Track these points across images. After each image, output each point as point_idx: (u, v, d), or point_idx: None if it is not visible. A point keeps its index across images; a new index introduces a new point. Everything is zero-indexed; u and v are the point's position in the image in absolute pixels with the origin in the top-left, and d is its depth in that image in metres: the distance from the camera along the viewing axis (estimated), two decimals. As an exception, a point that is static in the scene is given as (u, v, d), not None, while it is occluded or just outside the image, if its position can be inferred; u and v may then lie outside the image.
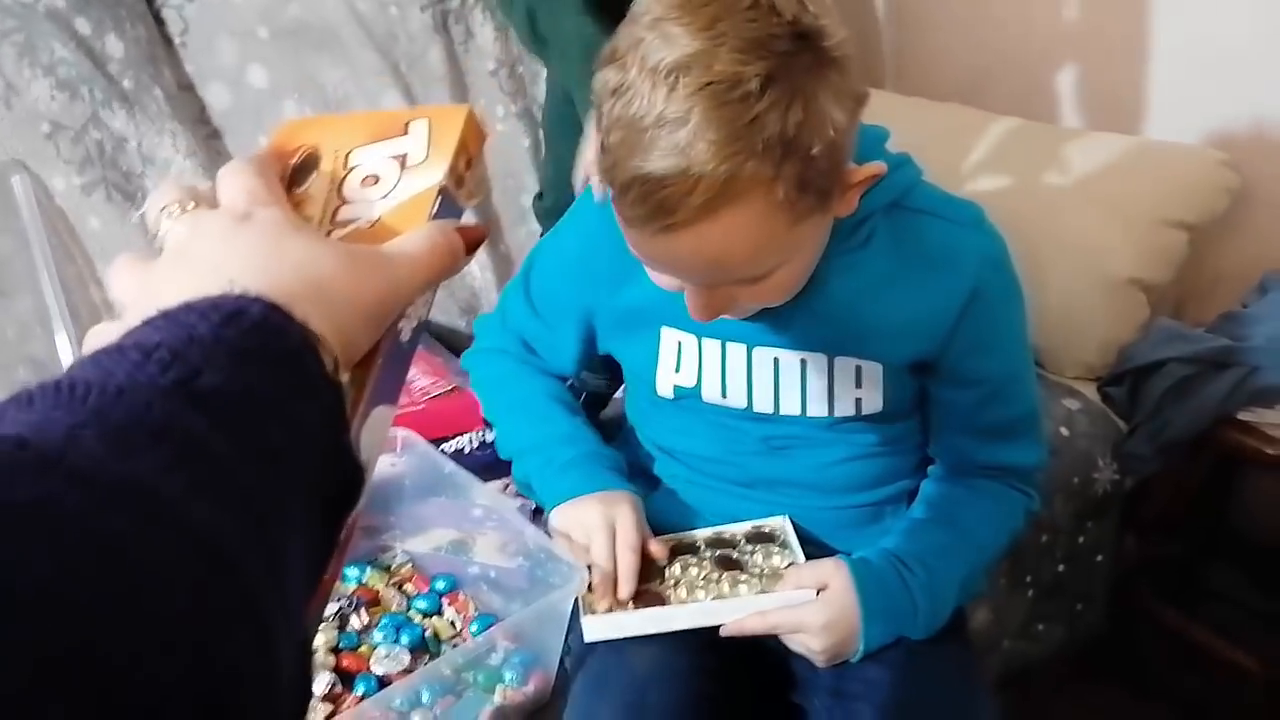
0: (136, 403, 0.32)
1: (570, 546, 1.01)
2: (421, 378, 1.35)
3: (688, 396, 1.05)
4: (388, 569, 1.21)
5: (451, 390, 1.32)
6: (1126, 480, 1.60)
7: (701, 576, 1.01)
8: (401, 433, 1.18)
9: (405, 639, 1.09)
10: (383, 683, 1.04)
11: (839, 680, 1.01)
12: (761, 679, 1.06)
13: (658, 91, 0.74)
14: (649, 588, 1.01)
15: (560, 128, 1.56)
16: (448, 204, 0.50)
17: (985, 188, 1.75)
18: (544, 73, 1.77)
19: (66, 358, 1.36)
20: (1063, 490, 1.52)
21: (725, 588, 1.00)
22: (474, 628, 1.12)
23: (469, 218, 0.59)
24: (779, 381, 1.01)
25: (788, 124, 0.73)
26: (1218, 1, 1.80)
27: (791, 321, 0.97)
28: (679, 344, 1.03)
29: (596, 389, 1.51)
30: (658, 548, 1.01)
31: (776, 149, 0.74)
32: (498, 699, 1.03)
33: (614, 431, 1.27)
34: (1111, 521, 1.62)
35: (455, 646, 1.11)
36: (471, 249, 0.49)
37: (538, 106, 1.81)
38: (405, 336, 0.47)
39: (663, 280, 0.89)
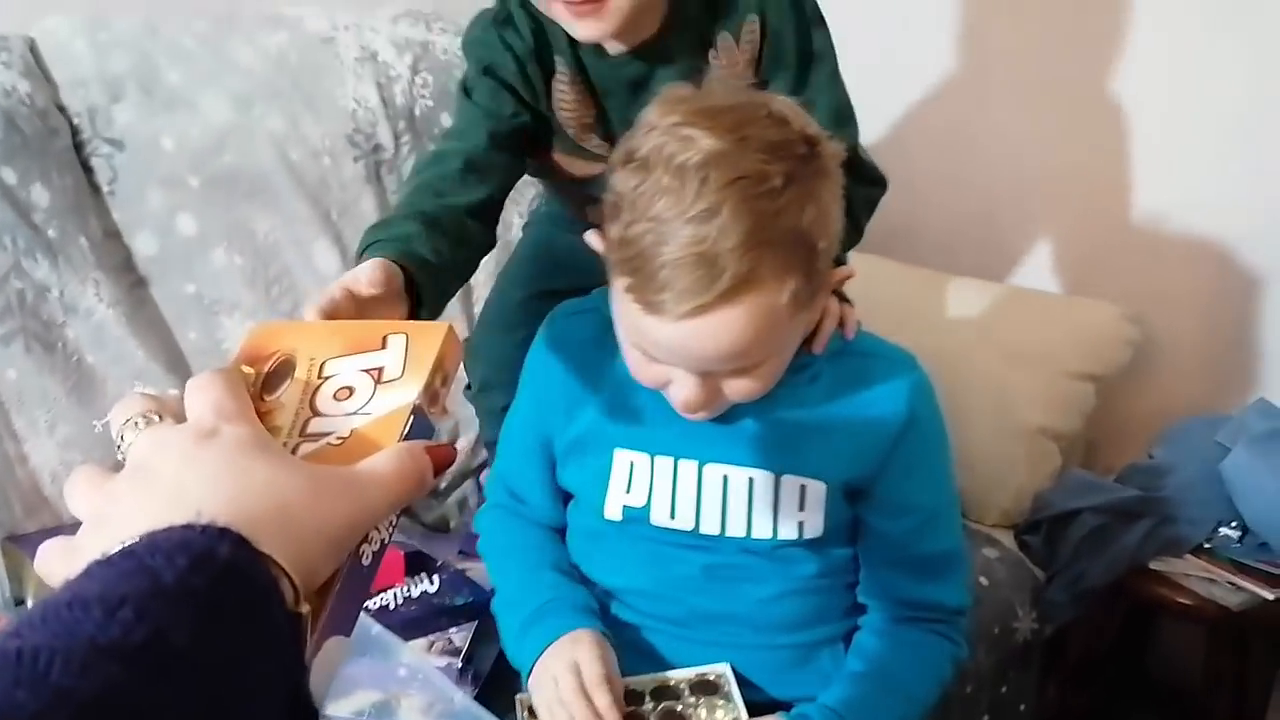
0: (98, 681, 0.31)
1: (551, 713, 0.99)
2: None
3: (635, 519, 1.06)
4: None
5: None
6: (1046, 628, 1.63)
7: None
8: (324, 595, 1.16)
9: (324, 814, 1.05)
10: None
11: None
12: None
13: (688, 186, 0.81)
14: None
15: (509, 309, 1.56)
16: (420, 423, 0.50)
17: (899, 336, 1.81)
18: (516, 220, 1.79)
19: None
20: (984, 640, 1.53)
21: None
22: (397, 798, 1.09)
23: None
24: (726, 500, 1.03)
25: (804, 219, 0.84)
26: (1122, 168, 1.92)
27: (743, 437, 1.02)
28: (631, 464, 1.05)
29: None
30: (615, 686, 1.00)
31: (794, 242, 0.84)
32: None
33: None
34: (1033, 670, 1.64)
35: (377, 822, 1.07)
36: (440, 470, 0.49)
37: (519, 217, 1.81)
38: (366, 560, 0.47)
39: (649, 374, 0.93)
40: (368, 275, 0.77)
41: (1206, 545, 1.59)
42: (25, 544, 1.30)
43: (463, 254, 0.99)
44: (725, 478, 1.04)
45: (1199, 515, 1.60)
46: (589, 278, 1.04)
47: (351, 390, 0.52)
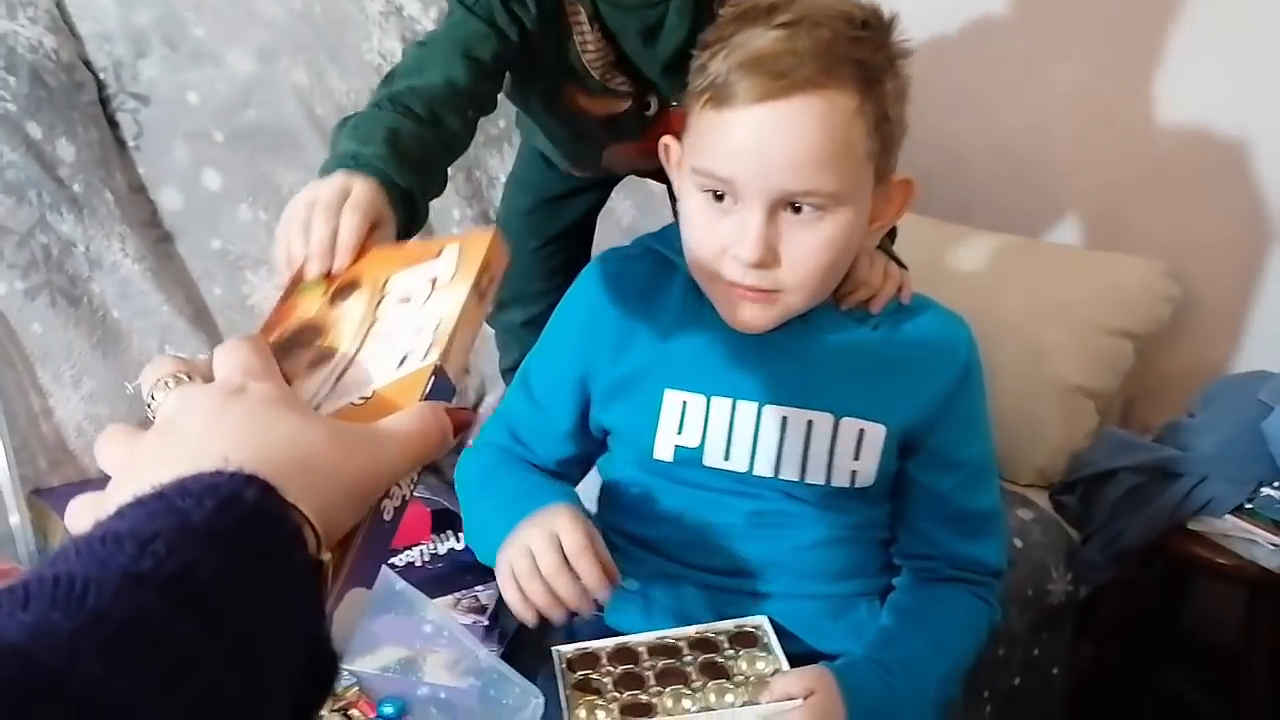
0: (132, 607, 0.32)
1: (518, 588, 0.94)
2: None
3: (687, 461, 1.04)
4: (333, 692, 1.17)
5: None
6: (1080, 589, 1.60)
7: (688, 683, 1.00)
8: (348, 550, 1.15)
9: (350, 768, 1.05)
10: (326, 815, 1.00)
11: None
12: None
13: (774, 12, 0.89)
14: (635, 696, 0.99)
15: (515, 218, 1.56)
16: (441, 384, 0.51)
17: (934, 294, 1.78)
18: (501, 176, 1.78)
19: (1, 463, 1.32)
20: (1018, 601, 1.51)
21: (712, 697, 0.98)
22: (422, 755, 1.08)
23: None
24: (783, 443, 1.02)
25: (878, 63, 0.90)
26: (1160, 119, 1.87)
27: (803, 378, 1.02)
28: (684, 404, 1.04)
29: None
30: (604, 554, 0.95)
31: (868, 73, 0.89)
32: (447, 833, 0.99)
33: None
34: (1066, 632, 1.62)
35: (403, 776, 1.07)
36: (459, 431, 0.50)
37: (493, 209, 1.81)
38: (388, 516, 0.48)
39: (710, 232, 0.94)
40: (374, 208, 0.76)
41: (1247, 505, 1.55)
42: (51, 498, 1.31)
43: (436, 175, 0.99)
44: (784, 419, 1.02)
45: (1239, 475, 1.56)
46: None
47: (409, 298, 0.56)
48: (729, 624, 1.06)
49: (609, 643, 1.06)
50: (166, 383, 0.47)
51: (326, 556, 0.41)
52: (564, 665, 1.05)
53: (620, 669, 1.03)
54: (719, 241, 0.94)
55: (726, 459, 1.04)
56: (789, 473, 1.03)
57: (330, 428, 0.45)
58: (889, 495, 1.08)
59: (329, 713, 1.12)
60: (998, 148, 2.10)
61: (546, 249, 1.52)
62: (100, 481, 1.26)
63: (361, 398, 0.50)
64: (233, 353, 0.49)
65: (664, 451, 1.05)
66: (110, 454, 0.45)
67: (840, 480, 1.03)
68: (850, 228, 0.94)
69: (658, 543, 1.10)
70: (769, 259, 0.92)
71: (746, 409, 1.03)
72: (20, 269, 1.37)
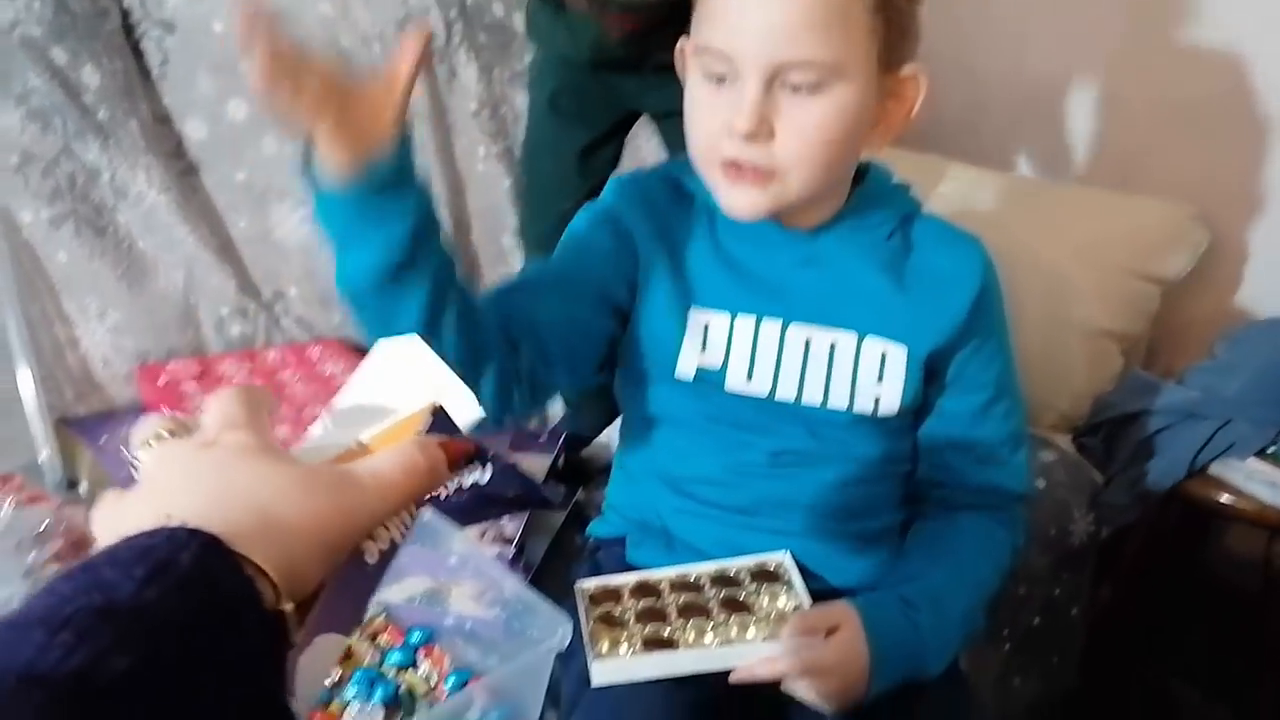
0: (25, 710, 0.30)
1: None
2: (398, 421, 1.32)
3: (708, 381, 1.03)
4: (361, 620, 1.18)
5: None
6: (1102, 531, 1.60)
7: (708, 618, 1.00)
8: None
9: (379, 695, 1.06)
10: (356, 740, 1.01)
11: None
12: None
13: None
14: (657, 630, 0.99)
15: (540, 154, 1.55)
16: (443, 420, 0.50)
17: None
18: (525, 113, 1.76)
19: (28, 392, 1.32)
20: (1040, 541, 1.51)
21: (733, 631, 0.98)
22: (449, 682, 1.09)
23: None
24: (806, 365, 1.02)
25: None
26: (1187, 59, 1.83)
27: (827, 297, 1.02)
28: (707, 325, 1.03)
29: (578, 428, 1.50)
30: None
31: None
32: (474, 761, 1.00)
33: (600, 474, 1.25)
34: (1087, 573, 1.62)
35: (431, 704, 1.08)
36: (456, 464, 0.48)
37: (518, 145, 1.79)
38: (371, 559, 0.46)
39: (710, 112, 0.94)
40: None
41: (1270, 449, 1.54)
42: (77, 428, 1.31)
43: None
44: (808, 342, 1.01)
45: (1263, 418, 1.55)
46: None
47: None
48: (750, 560, 1.06)
49: (630, 578, 1.07)
50: (149, 441, 0.46)
51: (288, 607, 0.39)
52: (586, 600, 1.06)
53: (641, 603, 1.04)
54: (717, 119, 0.93)
55: (749, 379, 1.02)
56: (811, 396, 1.02)
57: (299, 474, 0.43)
58: (912, 427, 1.08)
59: (358, 639, 1.13)
60: (1024, 88, 2.06)
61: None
62: (126, 414, 1.26)
63: (357, 441, 0.49)
64: (218, 403, 0.48)
65: (686, 369, 1.03)
66: (99, 519, 0.44)
67: (863, 406, 1.02)
68: (848, 109, 0.92)
69: (679, 480, 1.10)
70: (763, 131, 0.91)
71: (770, 328, 1.02)
72: (46, 197, 1.37)
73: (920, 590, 1.01)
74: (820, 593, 1.03)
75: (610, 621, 1.02)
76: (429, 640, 1.15)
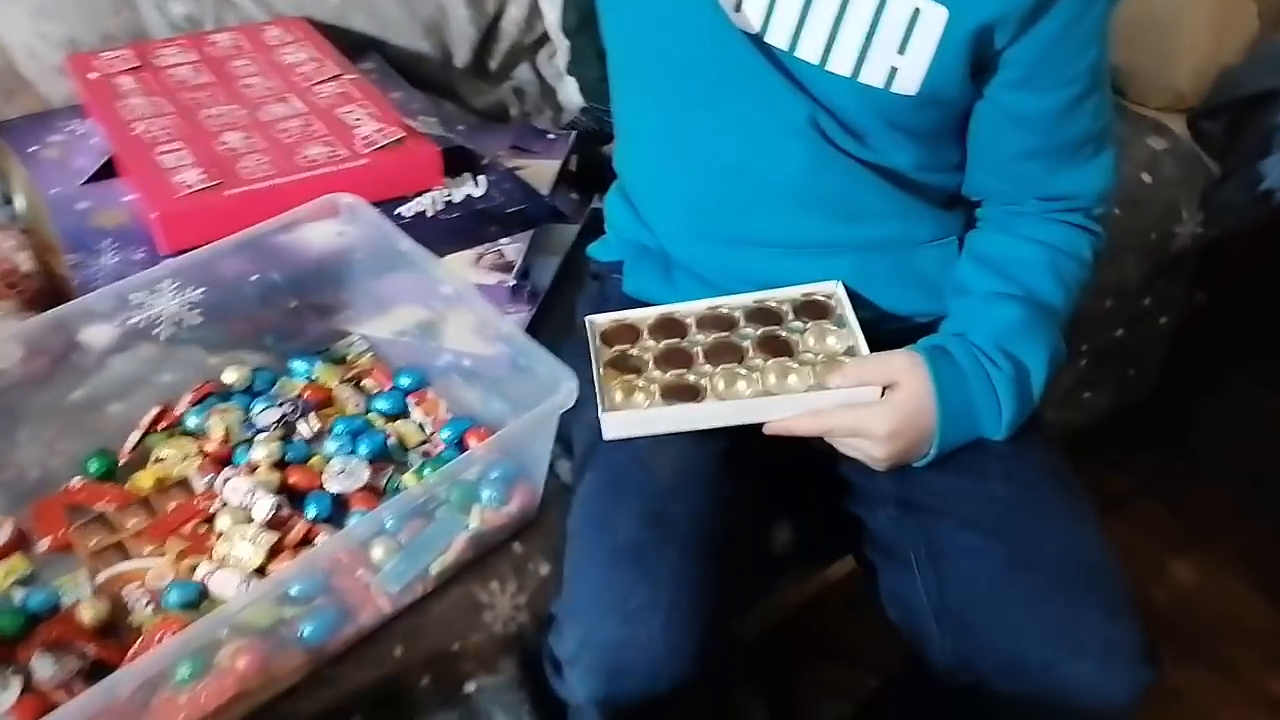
0: None
1: None
2: (365, 123, 1.09)
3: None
4: (342, 360, 1.03)
5: (402, 139, 1.07)
6: (1211, 231, 1.39)
7: (743, 361, 0.86)
8: (345, 198, 0.96)
9: (364, 448, 0.93)
10: (338, 502, 0.88)
11: (905, 489, 0.88)
12: (801, 482, 0.94)
13: None
14: (680, 376, 0.85)
15: None
16: None
17: None
18: None
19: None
20: (1136, 248, 1.32)
21: (772, 379, 0.85)
22: (445, 433, 0.95)
23: None
24: (808, 8, 0.80)
25: None
26: None
27: None
28: None
29: (600, 120, 1.28)
30: None
31: None
32: (474, 522, 0.87)
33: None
34: (1183, 280, 1.44)
35: (424, 456, 0.95)
36: None
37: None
38: None
39: None
40: None
41: None
42: (8, 133, 1.12)
43: None
44: None
45: None
46: None
47: None
48: (795, 291, 0.91)
49: (650, 312, 0.92)
50: None
51: None
52: (598, 339, 0.89)
53: (663, 344, 0.89)
54: None
55: (767, 23, 0.81)
56: (808, 51, 0.81)
57: None
58: (951, 131, 0.88)
59: (339, 384, 0.98)
60: None
61: None
62: (61, 114, 1.04)
63: None
64: None
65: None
66: None
67: (872, 77, 0.81)
68: None
69: (688, 194, 0.92)
70: None
71: None
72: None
73: (994, 335, 0.86)
74: (865, 322, 0.88)
75: (625, 365, 0.88)
76: (421, 384, 1.00)
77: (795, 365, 0.85)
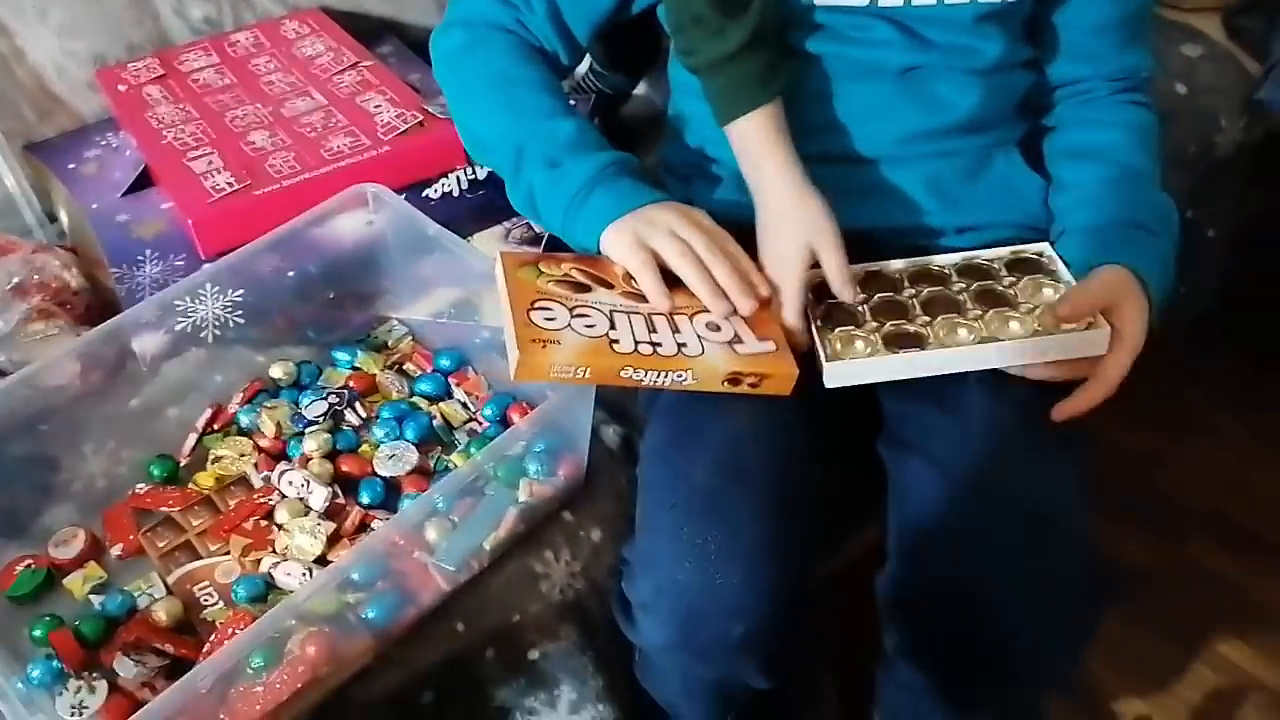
0: None
1: (700, 277, 0.80)
2: (384, 109, 1.11)
3: None
4: (382, 347, 1.05)
5: (421, 123, 1.07)
6: (1255, 132, 1.34)
7: (962, 312, 0.86)
8: (371, 188, 0.97)
9: (410, 432, 0.94)
10: (390, 486, 0.90)
11: (893, 421, 0.92)
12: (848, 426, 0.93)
13: None
14: (899, 325, 0.85)
15: None
16: None
17: None
18: None
19: None
20: (1175, 162, 1.27)
21: (994, 326, 0.84)
22: (488, 410, 0.97)
23: None
24: None
25: None
26: None
27: None
28: None
29: (614, 86, 1.26)
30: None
31: None
32: (523, 495, 0.88)
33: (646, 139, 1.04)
34: (1231, 189, 1.39)
35: (470, 434, 0.96)
36: None
37: None
38: None
39: None
40: None
41: None
42: (46, 153, 1.14)
43: None
44: None
45: None
46: None
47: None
48: (1004, 250, 0.92)
49: (856, 269, 0.88)
50: None
51: None
52: (809, 294, 0.87)
53: (876, 297, 0.88)
54: None
55: None
56: None
57: None
58: (1026, 19, 0.92)
59: (381, 370, 1.00)
60: None
61: None
62: (98, 127, 1.06)
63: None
64: None
65: None
66: None
67: None
68: None
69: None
70: None
71: None
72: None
73: (1147, 211, 0.90)
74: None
75: (837, 319, 0.86)
76: (461, 364, 1.02)
77: (1016, 314, 0.84)
